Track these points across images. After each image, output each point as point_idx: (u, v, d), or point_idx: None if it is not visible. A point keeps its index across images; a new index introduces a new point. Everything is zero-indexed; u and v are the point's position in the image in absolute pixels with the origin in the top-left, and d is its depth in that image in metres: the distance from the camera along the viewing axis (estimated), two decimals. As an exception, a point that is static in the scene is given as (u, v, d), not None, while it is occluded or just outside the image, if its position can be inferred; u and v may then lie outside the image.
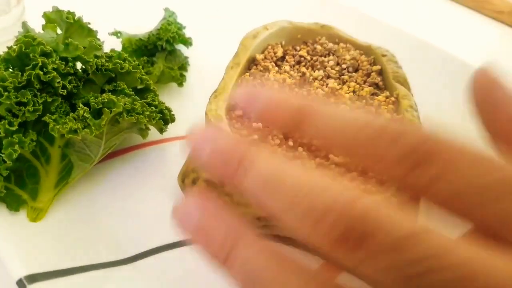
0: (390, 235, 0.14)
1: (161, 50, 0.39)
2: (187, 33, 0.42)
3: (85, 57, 0.29)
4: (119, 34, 0.39)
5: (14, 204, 0.29)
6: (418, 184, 0.16)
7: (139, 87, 0.32)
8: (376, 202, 0.15)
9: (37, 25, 0.33)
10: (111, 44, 0.38)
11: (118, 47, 0.38)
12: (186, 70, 0.41)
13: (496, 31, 0.53)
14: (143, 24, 0.42)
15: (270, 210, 0.17)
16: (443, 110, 0.29)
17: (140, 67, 0.32)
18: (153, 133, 0.33)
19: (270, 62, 0.34)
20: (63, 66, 0.29)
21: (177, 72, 0.39)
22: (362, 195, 0.15)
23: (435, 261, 0.14)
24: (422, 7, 0.55)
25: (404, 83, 0.33)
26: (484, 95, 0.23)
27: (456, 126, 0.27)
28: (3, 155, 0.26)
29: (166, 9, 0.42)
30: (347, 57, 0.34)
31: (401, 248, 0.14)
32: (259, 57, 0.34)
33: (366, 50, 0.35)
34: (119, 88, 0.30)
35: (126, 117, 0.28)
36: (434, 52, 0.43)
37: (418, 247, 0.14)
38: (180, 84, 0.39)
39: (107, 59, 0.31)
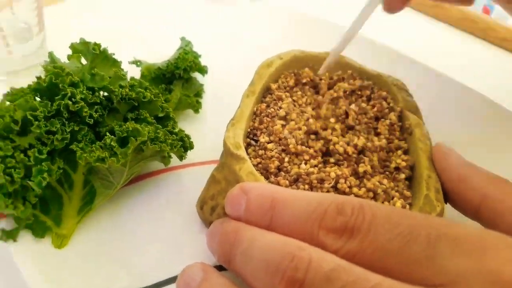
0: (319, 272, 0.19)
1: (178, 78, 0.40)
2: (202, 61, 0.43)
3: (111, 87, 0.30)
4: (138, 63, 0.40)
5: (39, 231, 0.29)
6: (351, 251, 0.20)
7: (160, 115, 0.33)
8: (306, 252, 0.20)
9: (58, 53, 0.34)
10: (129, 72, 0.39)
11: (137, 75, 0.39)
12: (201, 97, 0.42)
13: (500, 58, 0.54)
14: (159, 53, 0.43)
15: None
16: (454, 137, 0.30)
17: (160, 95, 0.34)
18: (172, 159, 0.34)
19: (284, 92, 0.35)
20: (90, 95, 0.30)
21: (193, 99, 0.40)
22: (301, 254, 0.20)
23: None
24: (428, 35, 0.57)
25: (416, 111, 0.34)
26: (441, 162, 0.29)
27: (467, 152, 0.29)
28: (31, 183, 0.27)
29: (183, 39, 0.43)
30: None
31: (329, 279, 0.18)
32: (274, 86, 0.35)
33: (376, 79, 0.37)
34: (141, 117, 0.31)
35: (150, 145, 0.29)
36: (441, 79, 0.44)
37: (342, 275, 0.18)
38: (196, 110, 0.40)
39: (130, 88, 0.32)
